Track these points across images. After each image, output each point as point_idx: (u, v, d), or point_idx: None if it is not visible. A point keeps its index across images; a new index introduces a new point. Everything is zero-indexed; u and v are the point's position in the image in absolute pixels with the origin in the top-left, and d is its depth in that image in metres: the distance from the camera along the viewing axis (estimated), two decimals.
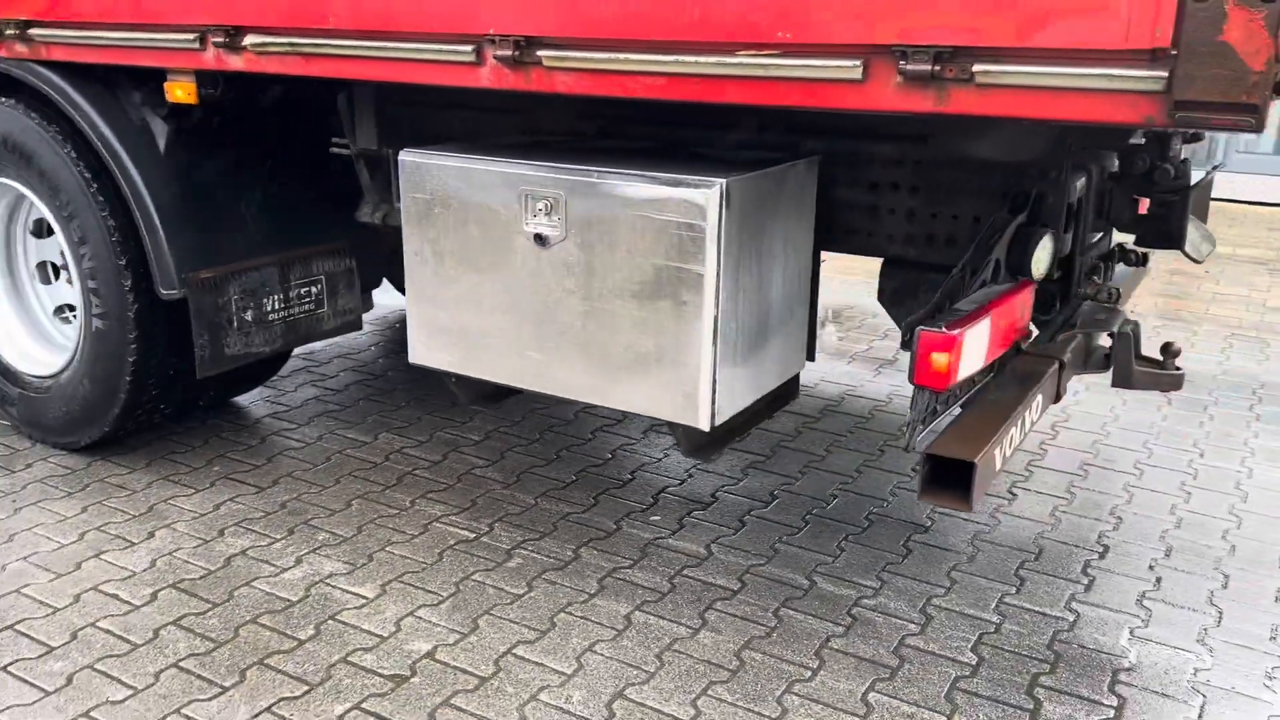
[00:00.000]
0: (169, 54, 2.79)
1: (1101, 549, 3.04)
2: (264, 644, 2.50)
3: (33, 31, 3.03)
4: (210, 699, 2.30)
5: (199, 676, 2.38)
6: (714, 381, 2.31)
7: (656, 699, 2.33)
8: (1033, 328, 3.00)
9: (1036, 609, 2.73)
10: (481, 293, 2.53)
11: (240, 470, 3.43)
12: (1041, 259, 2.54)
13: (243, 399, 4.01)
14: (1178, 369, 3.02)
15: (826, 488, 3.39)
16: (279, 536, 3.01)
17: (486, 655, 2.48)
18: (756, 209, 2.34)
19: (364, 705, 2.29)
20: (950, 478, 2.09)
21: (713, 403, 2.33)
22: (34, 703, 2.28)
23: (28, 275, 3.69)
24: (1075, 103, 1.75)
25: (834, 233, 2.80)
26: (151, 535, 3.01)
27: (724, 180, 2.19)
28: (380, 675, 2.40)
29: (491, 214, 2.45)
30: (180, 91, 2.91)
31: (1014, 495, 3.37)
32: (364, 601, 2.69)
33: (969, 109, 1.85)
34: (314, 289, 3.44)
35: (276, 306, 3.34)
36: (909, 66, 1.85)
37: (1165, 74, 1.65)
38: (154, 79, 2.99)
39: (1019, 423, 2.34)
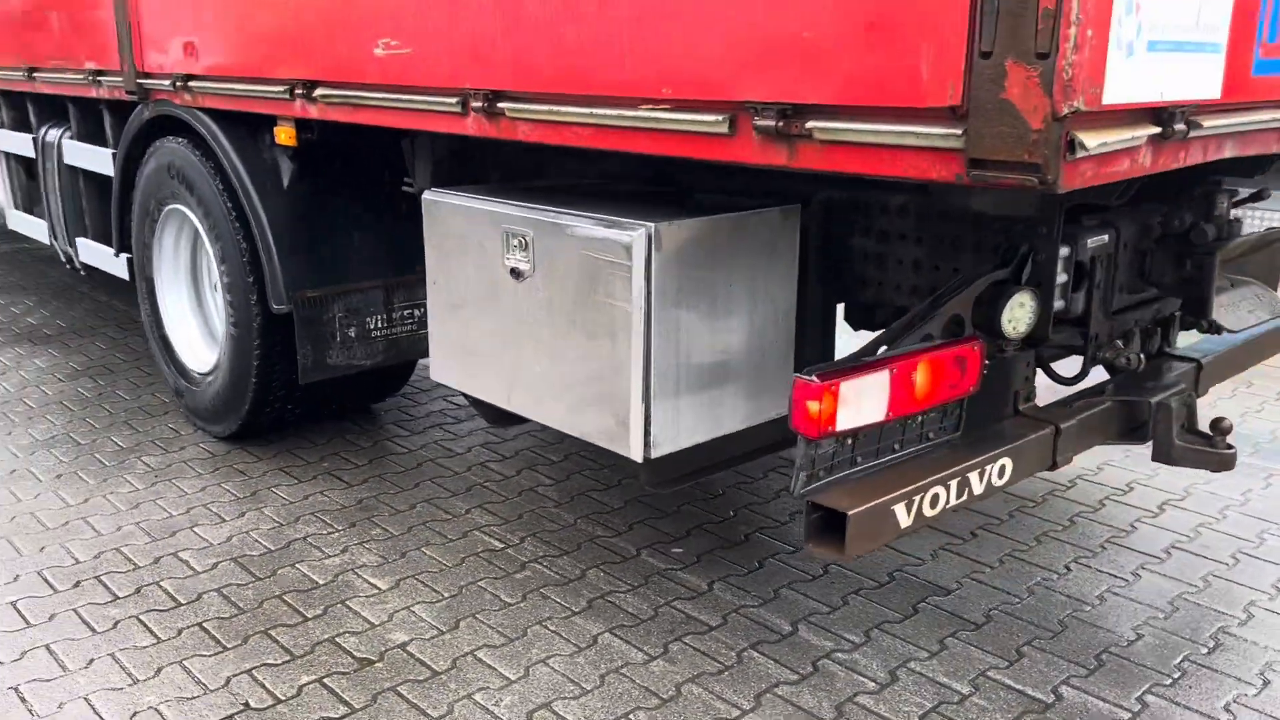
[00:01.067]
0: (271, 103, 3.26)
1: (1130, 638, 2.81)
2: (276, 617, 2.86)
3: (192, 84, 3.62)
4: (210, 655, 2.68)
5: (211, 636, 2.76)
6: (647, 415, 2.41)
7: (578, 715, 2.45)
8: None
9: (1017, 687, 2.59)
10: (478, 319, 2.78)
11: (340, 468, 3.86)
12: (1019, 318, 2.43)
13: (379, 406, 4.48)
14: (1229, 447, 2.76)
15: None
16: (340, 528, 3.38)
17: (450, 653, 2.70)
18: (703, 253, 2.42)
19: (326, 680, 2.58)
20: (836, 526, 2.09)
21: (646, 435, 2.43)
22: (81, 639, 2.75)
23: (209, 286, 4.34)
24: (900, 159, 1.75)
25: (845, 282, 2.80)
26: (241, 515, 3.48)
27: (653, 225, 2.31)
28: (352, 656, 2.68)
29: (481, 248, 2.69)
30: (283, 135, 3.38)
31: (1069, 570, 3.16)
32: (375, 592, 2.99)
33: (813, 164, 1.88)
34: (417, 311, 3.82)
35: (380, 325, 3.75)
36: (760, 122, 1.91)
37: (961, 132, 1.63)
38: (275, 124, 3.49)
39: (954, 482, 2.27)
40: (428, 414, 4.42)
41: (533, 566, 3.15)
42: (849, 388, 2.07)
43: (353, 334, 3.67)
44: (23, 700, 2.49)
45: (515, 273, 2.62)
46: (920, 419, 2.38)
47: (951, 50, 1.60)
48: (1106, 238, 2.63)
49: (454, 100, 2.55)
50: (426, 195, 2.87)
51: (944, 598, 3.00)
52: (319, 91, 3.02)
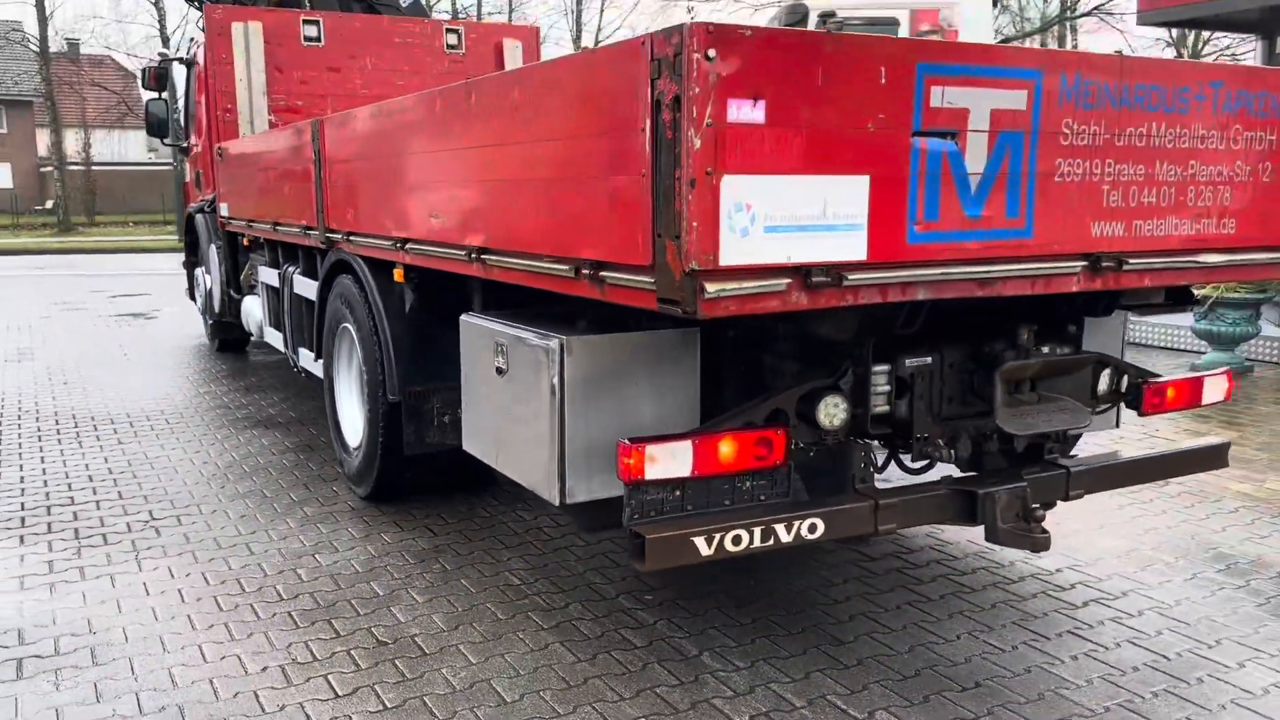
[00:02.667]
0: (387, 251, 4.60)
1: None
2: (339, 611, 4.03)
3: (351, 238, 5.07)
4: (288, 630, 3.87)
5: (292, 619, 3.96)
6: (562, 472, 3.40)
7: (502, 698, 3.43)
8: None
9: None
10: (484, 404, 3.89)
11: (434, 523, 5.04)
12: (834, 415, 3.27)
13: (490, 483, 5.66)
14: (1044, 532, 3.42)
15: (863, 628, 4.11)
16: (411, 563, 4.54)
17: (440, 643, 3.75)
18: (610, 359, 3.41)
19: (352, 651, 3.70)
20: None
21: (561, 486, 3.41)
22: (213, 614, 4.03)
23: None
24: (639, 296, 2.72)
25: (737, 383, 3.71)
26: (351, 549, 4.72)
27: (564, 337, 3.35)
28: (376, 639, 3.79)
29: (486, 354, 3.82)
30: (398, 274, 4.71)
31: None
32: (414, 604, 4.11)
33: (610, 298, 2.89)
34: None
35: None
36: (585, 271, 2.95)
37: (652, 280, 2.61)
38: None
39: (759, 529, 3.10)
40: (515, 490, 5.55)
41: (531, 598, 4.16)
42: (654, 450, 3.01)
43: (446, 420, 4.87)
44: (159, 644, 3.77)
45: (499, 370, 3.73)
46: (749, 483, 3.27)
47: (647, 234, 2.60)
48: (929, 359, 3.42)
49: (463, 253, 3.75)
50: (463, 318, 4.06)
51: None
52: (409, 245, 4.33)
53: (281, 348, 7.23)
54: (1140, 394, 3.89)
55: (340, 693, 3.41)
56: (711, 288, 2.50)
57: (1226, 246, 3.35)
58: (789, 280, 2.62)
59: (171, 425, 7.14)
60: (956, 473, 3.69)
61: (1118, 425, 4.47)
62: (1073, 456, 3.92)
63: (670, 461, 3.05)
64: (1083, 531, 4.91)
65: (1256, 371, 8.80)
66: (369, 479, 5.26)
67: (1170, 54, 27.27)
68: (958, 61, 2.77)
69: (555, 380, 3.35)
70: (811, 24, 11.47)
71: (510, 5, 38.78)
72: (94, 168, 45.05)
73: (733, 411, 3.27)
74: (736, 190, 2.49)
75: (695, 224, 2.46)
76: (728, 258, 2.51)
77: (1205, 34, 22.43)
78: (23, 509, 5.31)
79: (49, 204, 44.59)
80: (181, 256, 11.04)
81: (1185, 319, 9.16)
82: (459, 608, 4.07)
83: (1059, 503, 3.67)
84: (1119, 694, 3.42)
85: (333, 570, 4.46)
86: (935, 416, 3.47)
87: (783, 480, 3.33)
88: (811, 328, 3.37)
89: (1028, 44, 25.65)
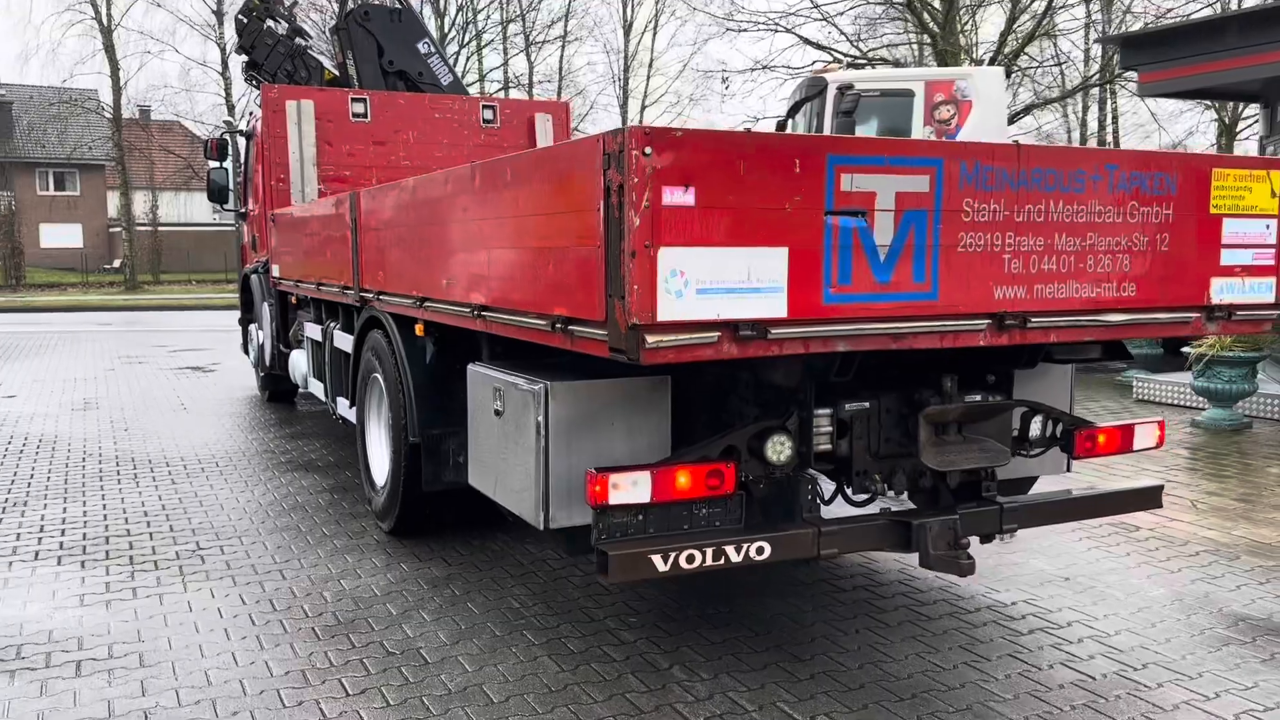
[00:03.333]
0: (408, 308, 5.19)
1: None
2: (357, 627, 4.55)
3: (381, 296, 5.67)
4: (310, 641, 4.40)
5: (314, 633, 4.49)
6: (545, 499, 3.90)
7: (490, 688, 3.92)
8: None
9: None
10: (485, 443, 4.42)
11: (449, 555, 5.56)
12: (780, 452, 3.76)
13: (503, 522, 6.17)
14: (968, 558, 3.87)
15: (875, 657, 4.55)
16: (425, 588, 5.06)
17: (442, 654, 4.26)
18: (588, 402, 3.93)
19: (365, 659, 4.21)
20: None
21: (545, 513, 3.91)
22: (247, 624, 4.57)
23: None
24: (599, 346, 3.25)
25: (715, 428, 4.20)
26: (373, 576, 5.25)
27: (548, 382, 3.88)
28: (384, 649, 4.30)
29: (486, 399, 4.36)
30: (418, 329, 5.29)
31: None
32: (422, 621, 4.62)
33: (578, 349, 3.41)
34: None
35: None
36: (558, 325, 3.48)
37: (605, 332, 3.14)
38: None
39: (710, 549, 3.59)
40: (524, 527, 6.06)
41: (528, 619, 4.65)
42: (617, 478, 3.52)
43: (460, 459, 5.40)
44: (198, 651, 4.31)
45: (497, 412, 4.27)
46: (705, 510, 3.76)
47: (601, 295, 3.14)
48: (867, 404, 3.91)
49: (468, 310, 4.31)
50: (470, 367, 4.61)
51: None
52: (426, 303, 4.91)
53: (323, 397, 7.85)
54: (1071, 440, 4.33)
55: (351, 692, 3.92)
56: (651, 339, 3.03)
57: (1128, 307, 3.81)
58: (719, 333, 3.14)
59: (220, 468, 7.77)
60: (911, 505, 4.16)
61: (1069, 469, 4.90)
62: (1021, 495, 4.37)
63: (632, 489, 3.56)
64: (1048, 570, 5.30)
65: (1254, 427, 9.08)
66: (393, 514, 5.80)
67: (1211, 118, 27.47)
68: (864, 153, 3.30)
69: (540, 420, 3.87)
70: (829, 96, 12.05)
71: (560, 73, 40.12)
72: (160, 228, 46.97)
73: (693, 447, 3.78)
74: (671, 260, 3.02)
75: (636, 287, 2.99)
76: (664, 315, 3.03)
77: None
78: (84, 539, 5.93)
79: (117, 263, 46.44)
80: (238, 314, 11.80)
81: (1187, 377, 9.49)
82: (462, 626, 4.57)
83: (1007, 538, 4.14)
84: (1041, 706, 3.82)
85: (354, 593, 4.99)
86: (873, 454, 3.95)
87: (736, 509, 3.82)
88: (765, 376, 3.89)
89: (1047, 111, 25.96)
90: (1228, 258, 4.00)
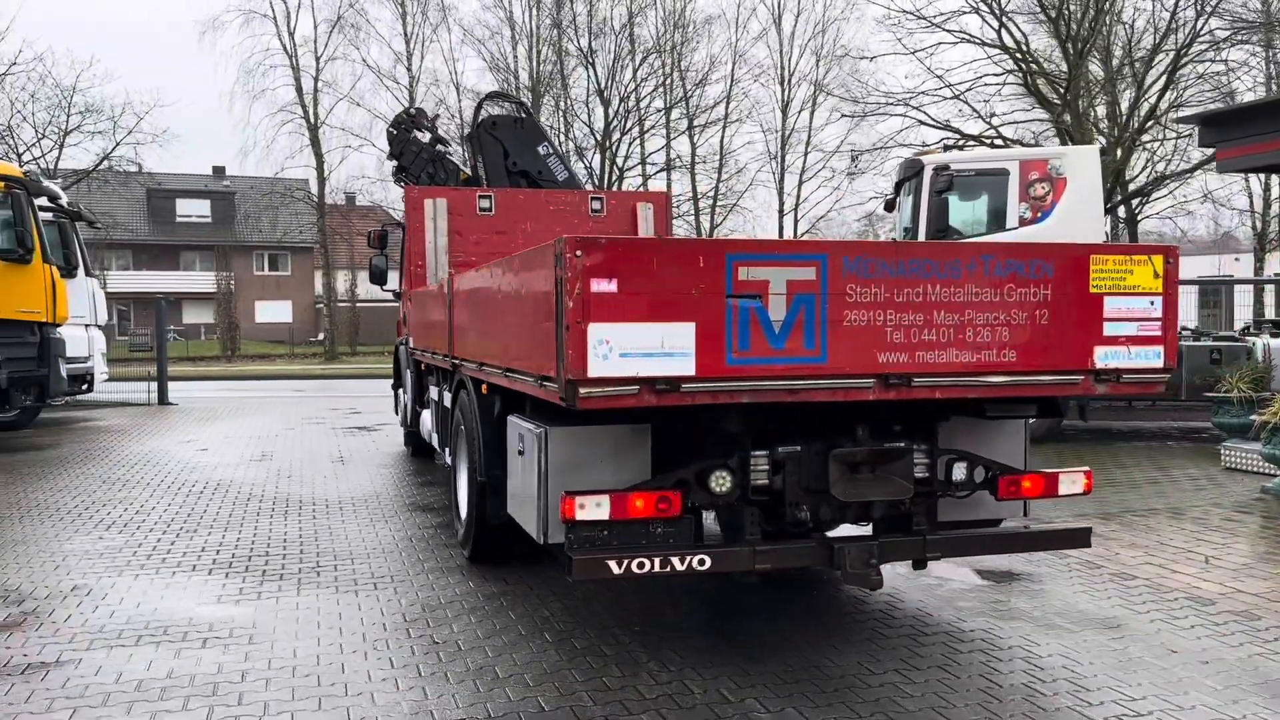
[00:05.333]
0: (470, 371, 6.41)
1: None
2: (421, 630, 5.71)
3: (463, 363, 6.94)
4: (370, 629, 5.59)
5: (381, 624, 5.68)
6: (544, 520, 4.97)
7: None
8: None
9: None
10: (515, 478, 5.54)
11: (506, 575, 6.68)
12: (722, 485, 4.73)
13: None
14: (878, 574, 4.71)
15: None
16: (482, 602, 6.19)
17: (475, 660, 5.36)
18: (580, 443, 4.98)
19: (414, 645, 5.36)
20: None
21: (544, 530, 4.97)
22: (333, 621, 5.81)
23: None
24: (556, 396, 4.33)
25: (685, 464, 5.18)
26: (445, 590, 6.42)
27: (548, 428, 4.97)
28: (437, 645, 5.44)
29: (515, 442, 5.48)
30: (483, 388, 6.50)
31: None
32: (468, 623, 5.74)
33: (546, 398, 4.49)
34: None
35: None
36: (540, 381, 4.59)
37: (555, 384, 4.23)
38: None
39: (658, 559, 4.57)
40: None
41: (552, 624, 5.71)
42: (582, 499, 4.56)
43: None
44: (293, 636, 5.57)
45: (520, 452, 5.40)
46: (660, 529, 4.75)
47: (554, 359, 4.23)
48: (798, 447, 4.82)
49: (500, 371, 5.48)
50: (509, 418, 5.76)
51: None
52: (484, 367, 6.12)
53: (438, 448, 9.20)
54: (995, 483, 5.09)
55: (396, 665, 5.08)
56: (583, 390, 4.11)
57: (1010, 371, 4.61)
58: (639, 387, 4.18)
59: (355, 507, 9.20)
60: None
61: (1025, 514, 5.62)
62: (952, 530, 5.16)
63: (595, 509, 4.59)
64: (1035, 610, 5.97)
65: None
66: (469, 543, 6.99)
67: None
68: (758, 251, 4.30)
69: (541, 456, 4.98)
70: (926, 177, 12.92)
71: (721, 152, 41.80)
72: (358, 304, 51.03)
73: (653, 479, 4.79)
74: (598, 332, 4.10)
75: (571, 352, 4.09)
76: (594, 373, 4.11)
77: None
78: (232, 557, 7.37)
79: (320, 336, 50.71)
80: (392, 380, 13.45)
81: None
82: (496, 626, 5.67)
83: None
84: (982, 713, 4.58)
85: (425, 600, 6.17)
86: (804, 489, 4.85)
87: (687, 529, 4.79)
88: (718, 424, 4.86)
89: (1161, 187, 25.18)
90: (1111, 329, 4.73)
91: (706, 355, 4.24)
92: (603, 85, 39.02)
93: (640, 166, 40.83)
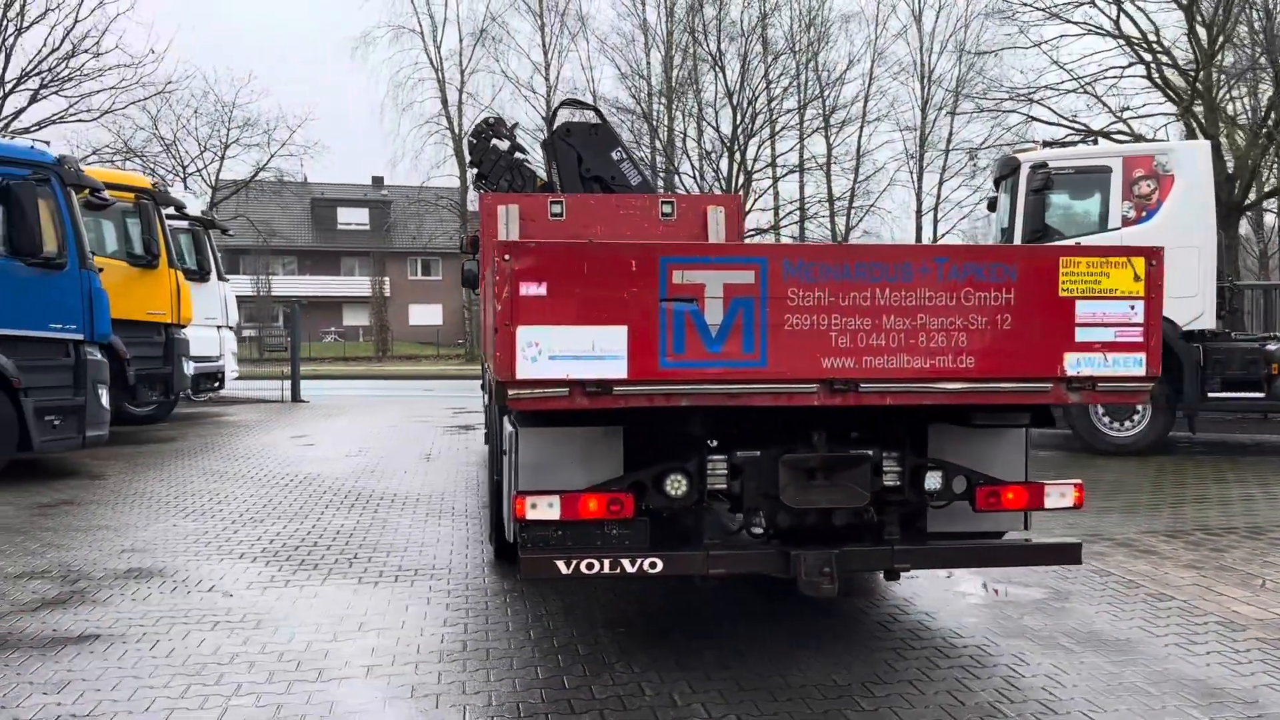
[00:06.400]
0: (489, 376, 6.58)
1: None
2: (435, 588, 5.92)
3: (485, 362, 7.12)
4: (413, 605, 5.82)
5: (426, 601, 5.91)
6: (511, 516, 5.07)
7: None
8: None
9: None
10: (504, 476, 5.67)
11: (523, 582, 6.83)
12: (678, 488, 4.74)
13: None
14: (831, 583, 4.65)
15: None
16: (519, 600, 6.35)
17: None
18: (552, 442, 5.06)
19: (446, 631, 5.56)
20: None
21: (513, 528, 5.08)
22: (365, 601, 6.08)
23: None
24: (504, 396, 4.43)
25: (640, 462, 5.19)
26: (476, 579, 6.62)
27: (519, 428, 5.07)
28: (466, 610, 5.63)
29: (505, 441, 5.62)
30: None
31: None
32: (497, 609, 5.91)
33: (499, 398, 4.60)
34: None
35: None
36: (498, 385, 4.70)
37: (505, 386, 4.32)
38: None
39: (607, 560, 4.63)
40: None
41: (540, 622, 5.82)
42: (534, 499, 4.65)
43: None
44: (327, 616, 5.86)
45: (504, 452, 5.52)
46: (615, 531, 4.79)
47: (493, 360, 4.34)
48: (758, 453, 4.78)
49: (493, 377, 5.62)
50: (504, 419, 5.89)
51: None
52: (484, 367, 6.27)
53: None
54: (973, 494, 4.92)
55: (378, 653, 5.28)
56: (512, 392, 4.21)
57: (967, 377, 4.45)
58: (570, 389, 4.24)
59: (419, 504, 9.53)
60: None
61: (1026, 527, 5.41)
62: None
63: (547, 509, 4.68)
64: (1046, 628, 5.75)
65: None
66: (494, 540, 7.17)
67: None
68: (693, 255, 4.31)
69: (513, 455, 5.10)
70: (1023, 175, 12.47)
71: (858, 152, 41.07)
72: None
73: (608, 481, 4.83)
74: (527, 335, 4.19)
75: (499, 354, 4.19)
76: (522, 374, 4.20)
77: None
78: (282, 547, 7.76)
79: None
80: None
81: None
82: (486, 620, 5.81)
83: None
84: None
85: (434, 596, 6.37)
86: (763, 494, 4.80)
87: (642, 532, 4.81)
88: (682, 428, 4.87)
89: None
90: (1084, 335, 4.51)
91: (639, 358, 4.26)
92: (732, 88, 38.96)
93: (770, 169, 40.56)
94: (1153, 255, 4.55)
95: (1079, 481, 5.03)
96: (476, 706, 4.60)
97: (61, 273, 11.03)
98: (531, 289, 4.18)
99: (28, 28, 27.19)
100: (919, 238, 40.60)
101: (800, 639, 5.48)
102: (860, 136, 42.18)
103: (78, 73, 27.57)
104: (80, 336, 11.17)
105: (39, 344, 10.89)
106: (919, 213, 42.32)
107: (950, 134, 41.57)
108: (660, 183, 37.37)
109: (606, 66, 41.51)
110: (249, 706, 4.62)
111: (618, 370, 4.26)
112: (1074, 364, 4.52)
